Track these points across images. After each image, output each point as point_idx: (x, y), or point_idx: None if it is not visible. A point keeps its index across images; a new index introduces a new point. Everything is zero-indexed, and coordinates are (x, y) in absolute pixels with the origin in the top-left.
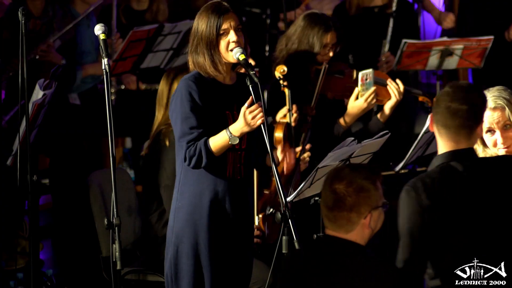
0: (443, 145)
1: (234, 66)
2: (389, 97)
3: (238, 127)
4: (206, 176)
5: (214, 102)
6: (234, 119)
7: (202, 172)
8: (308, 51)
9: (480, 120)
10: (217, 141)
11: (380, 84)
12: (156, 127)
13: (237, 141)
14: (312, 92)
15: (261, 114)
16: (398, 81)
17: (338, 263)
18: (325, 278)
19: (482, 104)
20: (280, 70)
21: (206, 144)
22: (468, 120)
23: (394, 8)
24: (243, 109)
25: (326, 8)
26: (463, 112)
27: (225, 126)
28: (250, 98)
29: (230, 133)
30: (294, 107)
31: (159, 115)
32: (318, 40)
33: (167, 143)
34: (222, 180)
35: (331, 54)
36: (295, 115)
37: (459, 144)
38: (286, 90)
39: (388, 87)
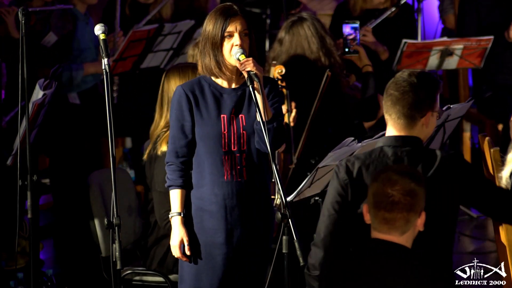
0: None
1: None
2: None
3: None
4: (205, 179)
5: (210, 105)
6: (230, 122)
7: (202, 174)
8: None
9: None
10: (171, 199)
11: None
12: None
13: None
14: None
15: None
16: None
17: (384, 266)
18: (373, 281)
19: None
20: (278, 71)
21: (170, 187)
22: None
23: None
24: None
25: (327, 8)
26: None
27: (218, 129)
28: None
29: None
30: (293, 104)
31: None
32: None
33: (159, 152)
34: (220, 183)
35: None
36: (293, 114)
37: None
38: (284, 90)
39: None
